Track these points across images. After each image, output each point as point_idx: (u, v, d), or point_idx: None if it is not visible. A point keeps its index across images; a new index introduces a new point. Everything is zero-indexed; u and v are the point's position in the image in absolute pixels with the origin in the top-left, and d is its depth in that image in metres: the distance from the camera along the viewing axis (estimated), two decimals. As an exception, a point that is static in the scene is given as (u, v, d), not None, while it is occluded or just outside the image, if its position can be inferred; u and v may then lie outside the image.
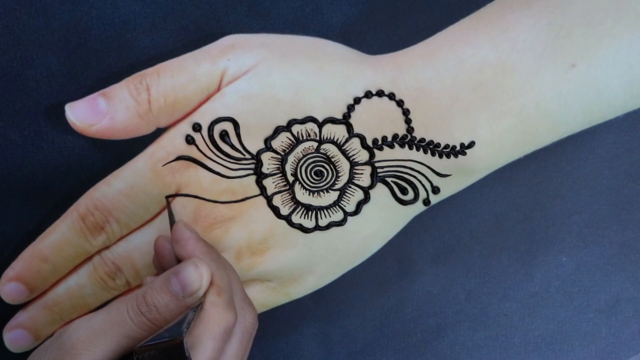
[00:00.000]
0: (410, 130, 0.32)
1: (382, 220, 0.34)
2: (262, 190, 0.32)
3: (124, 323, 0.26)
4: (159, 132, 0.32)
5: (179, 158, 0.31)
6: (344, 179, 0.33)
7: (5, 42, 0.32)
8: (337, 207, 0.33)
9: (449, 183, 0.33)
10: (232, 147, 0.32)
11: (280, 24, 0.34)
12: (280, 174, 0.32)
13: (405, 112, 0.32)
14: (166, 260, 0.30)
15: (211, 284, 0.27)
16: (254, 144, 0.32)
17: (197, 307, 0.26)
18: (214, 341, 0.26)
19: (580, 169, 0.39)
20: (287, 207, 0.33)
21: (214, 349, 0.26)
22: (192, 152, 0.31)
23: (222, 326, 0.26)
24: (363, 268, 0.35)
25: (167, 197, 0.31)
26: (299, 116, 0.32)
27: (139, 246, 0.32)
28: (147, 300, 0.26)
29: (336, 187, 0.33)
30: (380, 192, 0.33)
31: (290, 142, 0.32)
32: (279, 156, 0.32)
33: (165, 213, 0.32)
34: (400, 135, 0.32)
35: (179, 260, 0.29)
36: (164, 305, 0.26)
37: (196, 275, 0.26)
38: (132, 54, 0.33)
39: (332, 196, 0.33)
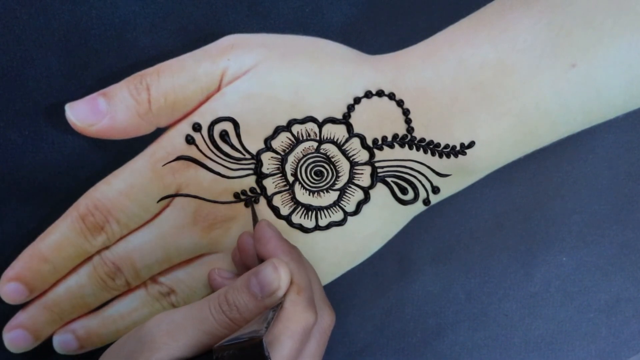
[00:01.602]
0: (410, 130, 0.32)
1: (382, 220, 0.34)
2: (262, 190, 0.32)
3: (205, 320, 0.26)
4: (159, 132, 0.32)
5: (179, 158, 0.31)
6: (344, 179, 0.33)
7: (5, 42, 0.32)
8: (337, 207, 0.33)
9: (449, 183, 0.33)
10: (232, 147, 0.32)
11: (280, 24, 0.34)
12: (280, 174, 0.32)
13: (405, 112, 0.32)
14: (248, 257, 0.30)
15: (291, 283, 0.27)
16: (254, 144, 0.32)
17: (277, 306, 0.26)
18: (292, 340, 0.26)
19: (580, 169, 0.38)
20: (287, 207, 0.33)
21: (292, 349, 0.26)
22: (192, 152, 0.31)
23: (302, 325, 0.26)
24: (363, 268, 0.35)
25: (247, 202, 0.32)
26: (299, 116, 0.32)
27: (138, 246, 0.32)
28: (228, 299, 0.26)
29: (336, 187, 0.33)
30: (380, 192, 0.33)
31: (290, 142, 0.32)
32: (279, 156, 0.32)
33: (166, 213, 0.32)
34: (400, 135, 0.32)
35: (260, 258, 0.29)
36: (244, 304, 0.26)
37: (274, 276, 0.26)
38: (132, 54, 0.33)
39: (332, 196, 0.33)
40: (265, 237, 0.29)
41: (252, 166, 0.32)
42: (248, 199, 0.32)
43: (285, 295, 0.27)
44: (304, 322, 0.26)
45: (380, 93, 0.32)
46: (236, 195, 0.32)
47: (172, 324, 0.26)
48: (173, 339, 0.25)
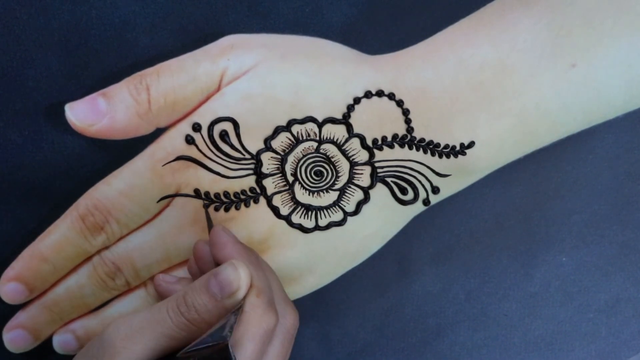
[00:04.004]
0: (410, 130, 0.32)
1: (381, 220, 0.34)
2: (262, 190, 0.32)
3: (163, 322, 0.26)
4: (159, 132, 0.32)
5: (178, 158, 0.31)
6: (343, 179, 0.33)
7: (5, 42, 0.32)
8: (336, 207, 0.33)
9: (449, 183, 0.33)
10: (232, 147, 0.32)
11: (280, 24, 0.34)
12: (280, 174, 0.32)
13: (405, 112, 0.32)
14: (205, 264, 0.30)
15: (251, 285, 0.27)
16: (254, 144, 0.32)
17: (239, 310, 0.26)
18: (254, 343, 0.26)
19: (580, 169, 0.39)
20: (287, 207, 0.33)
21: (254, 351, 0.26)
22: (192, 152, 0.31)
23: (263, 328, 0.26)
24: (363, 268, 0.35)
25: (205, 204, 0.32)
26: (299, 116, 0.32)
27: (138, 246, 0.32)
28: (186, 301, 0.26)
29: (336, 187, 0.33)
30: (380, 192, 0.33)
31: (290, 142, 0.32)
32: (279, 156, 0.32)
33: (166, 213, 0.32)
34: (400, 135, 0.32)
35: (217, 264, 0.29)
36: (203, 305, 0.26)
37: (234, 276, 0.26)
38: (132, 54, 0.33)
39: (332, 196, 0.33)
40: (221, 242, 0.28)
41: (252, 166, 0.32)
42: (207, 203, 0.32)
43: (245, 298, 0.26)
44: (264, 325, 0.26)
45: (380, 93, 0.32)
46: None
47: (131, 328, 0.26)
48: (132, 342, 0.25)
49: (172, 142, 0.31)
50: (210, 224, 0.31)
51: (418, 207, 0.34)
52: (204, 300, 0.26)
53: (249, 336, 0.26)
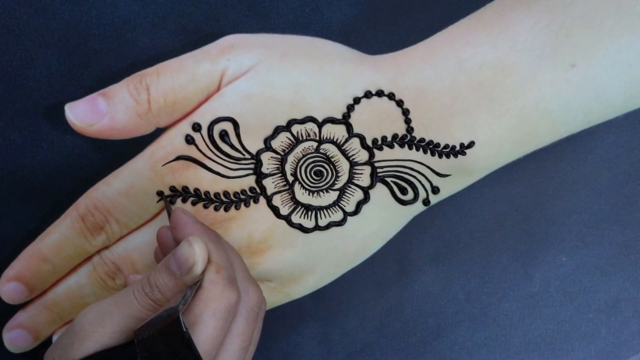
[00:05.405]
0: (409, 130, 0.32)
1: (381, 220, 0.34)
2: (262, 190, 0.32)
3: (129, 304, 0.26)
4: (159, 132, 0.32)
5: (178, 158, 0.31)
6: (343, 179, 0.33)
7: (5, 42, 0.32)
8: (336, 207, 0.33)
9: (449, 183, 0.33)
10: (232, 147, 0.32)
11: (280, 24, 0.34)
12: (280, 174, 0.32)
13: (405, 112, 0.32)
14: (169, 249, 0.30)
15: (210, 262, 0.27)
16: (254, 144, 0.32)
17: (195, 284, 0.26)
18: (214, 319, 0.26)
19: (580, 169, 0.38)
20: (287, 207, 0.33)
21: (215, 328, 0.26)
22: (191, 152, 0.32)
23: (224, 304, 0.26)
24: (363, 268, 0.35)
25: (159, 192, 0.32)
26: (299, 116, 0.32)
27: (138, 246, 0.32)
28: (150, 281, 0.26)
29: (336, 187, 0.33)
30: (379, 192, 0.33)
31: (290, 142, 0.32)
32: (279, 156, 0.32)
33: (165, 213, 0.32)
34: (400, 135, 0.32)
35: None
36: (164, 284, 0.26)
37: (190, 251, 0.26)
38: (132, 54, 0.33)
39: (332, 196, 0.33)
40: (181, 223, 0.29)
41: (252, 166, 0.32)
42: (160, 191, 0.32)
43: (203, 274, 0.26)
44: (225, 301, 0.26)
45: (379, 93, 0.32)
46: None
47: (100, 312, 0.26)
48: (100, 325, 0.26)
49: (172, 142, 0.31)
50: (170, 212, 0.31)
51: (418, 207, 0.34)
52: (165, 279, 0.26)
53: (210, 312, 0.26)
